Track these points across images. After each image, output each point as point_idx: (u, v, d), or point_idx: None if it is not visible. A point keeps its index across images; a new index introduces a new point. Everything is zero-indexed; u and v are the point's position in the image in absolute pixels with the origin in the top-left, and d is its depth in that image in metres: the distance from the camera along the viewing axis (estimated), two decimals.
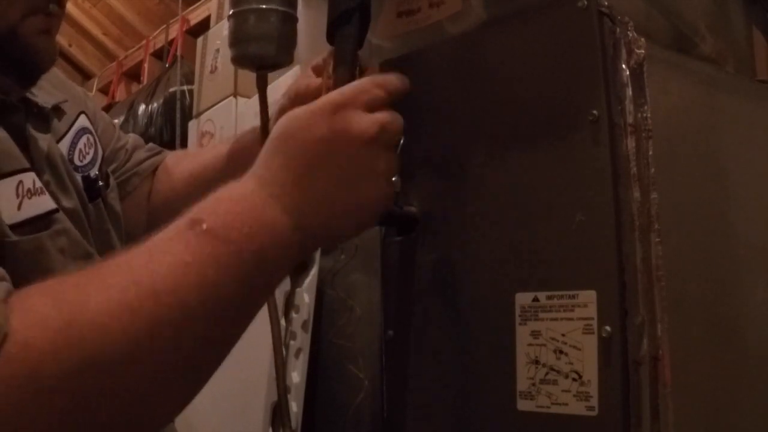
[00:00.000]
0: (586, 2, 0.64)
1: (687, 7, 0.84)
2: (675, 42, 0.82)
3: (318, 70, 0.80)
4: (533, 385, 0.63)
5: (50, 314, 0.44)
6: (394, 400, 0.75)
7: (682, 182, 0.69)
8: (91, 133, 0.83)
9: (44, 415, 0.43)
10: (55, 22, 0.71)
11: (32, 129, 0.70)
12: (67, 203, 0.71)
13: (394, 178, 0.76)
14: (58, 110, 0.78)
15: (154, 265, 0.48)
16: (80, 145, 0.80)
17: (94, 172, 0.80)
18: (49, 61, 0.72)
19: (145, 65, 2.71)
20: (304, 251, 0.56)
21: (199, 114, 2.09)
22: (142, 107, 2.35)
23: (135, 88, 2.79)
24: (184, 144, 2.16)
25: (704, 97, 0.76)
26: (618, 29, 0.64)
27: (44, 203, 0.67)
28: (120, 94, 2.83)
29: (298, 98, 0.81)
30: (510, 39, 0.71)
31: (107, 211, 0.81)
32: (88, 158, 0.81)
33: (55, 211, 0.68)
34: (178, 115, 2.22)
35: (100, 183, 0.80)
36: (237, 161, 0.87)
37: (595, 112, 0.63)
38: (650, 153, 0.63)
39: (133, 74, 2.86)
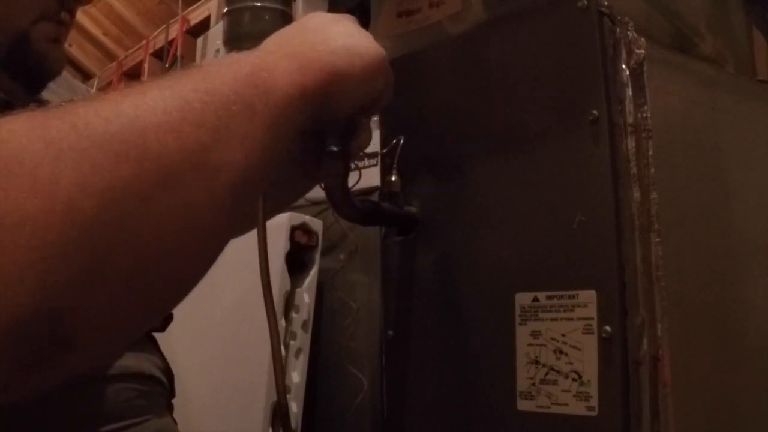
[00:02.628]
0: (586, 2, 0.64)
1: (687, 7, 0.84)
2: (675, 42, 0.82)
3: None
4: (533, 385, 0.63)
5: (27, 116, 0.38)
6: (394, 400, 0.75)
7: (682, 182, 0.69)
8: None
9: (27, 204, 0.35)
10: (65, 31, 0.71)
11: None
12: None
13: (393, 178, 0.76)
14: None
15: (160, 94, 0.41)
16: None
17: None
18: (58, 69, 0.72)
19: (145, 65, 2.71)
20: (314, 98, 0.49)
21: None
22: None
23: None
24: None
25: (704, 97, 0.76)
26: (618, 29, 0.64)
27: None
28: None
29: None
30: (510, 39, 0.71)
31: None
32: None
33: None
34: None
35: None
36: None
37: (595, 112, 0.63)
38: (650, 153, 0.63)
39: (133, 74, 2.86)
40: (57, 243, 0.34)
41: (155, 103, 0.40)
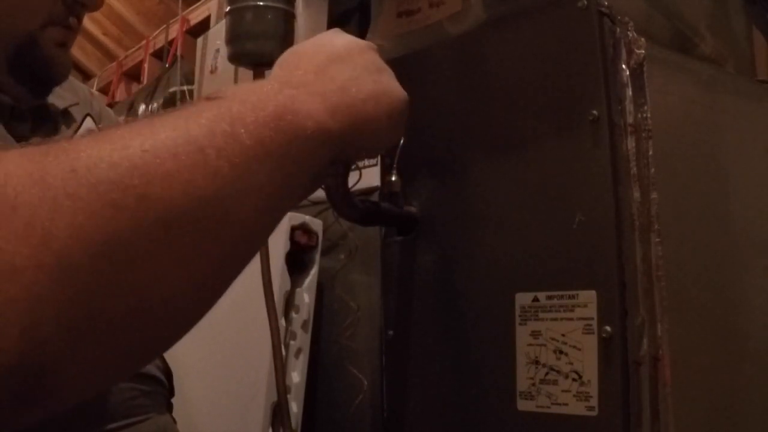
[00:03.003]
0: (586, 2, 0.64)
1: (687, 7, 0.84)
2: (675, 42, 0.82)
3: None
4: (533, 385, 0.63)
5: (24, 155, 0.35)
6: (394, 400, 0.75)
7: (682, 182, 0.69)
8: None
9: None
10: (72, 36, 0.71)
11: (40, 134, 0.71)
12: None
13: (393, 178, 0.76)
14: (66, 114, 0.79)
15: (152, 128, 0.39)
16: None
17: None
18: (64, 74, 0.72)
19: (145, 65, 2.70)
20: (337, 144, 0.47)
21: None
22: (142, 107, 2.35)
23: (135, 88, 2.79)
24: None
25: (704, 97, 0.76)
26: (618, 29, 0.64)
27: None
28: (120, 94, 2.83)
29: None
30: (510, 39, 0.71)
31: None
32: None
33: None
34: None
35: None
36: None
37: (595, 112, 0.63)
38: (650, 153, 0.63)
39: (133, 74, 2.86)
40: (45, 297, 0.32)
41: (166, 147, 0.37)
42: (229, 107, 0.41)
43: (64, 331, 0.33)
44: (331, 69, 0.50)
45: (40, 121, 0.72)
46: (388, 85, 0.53)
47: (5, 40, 0.66)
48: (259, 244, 0.45)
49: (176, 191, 0.36)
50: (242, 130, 0.40)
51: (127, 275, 0.35)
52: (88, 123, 0.83)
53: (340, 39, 0.54)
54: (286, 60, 0.52)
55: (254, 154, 0.40)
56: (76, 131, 0.80)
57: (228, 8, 0.71)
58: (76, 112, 0.81)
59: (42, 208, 0.33)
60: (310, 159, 0.45)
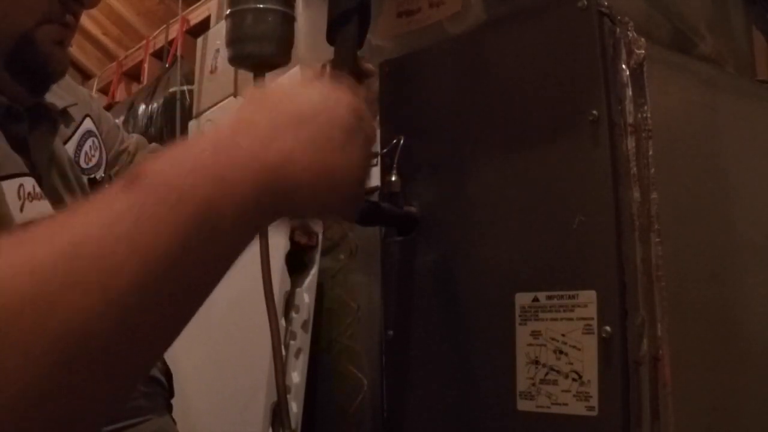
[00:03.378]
0: (586, 2, 0.64)
1: (687, 7, 0.84)
2: (675, 42, 0.82)
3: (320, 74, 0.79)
4: (533, 385, 0.63)
5: None
6: (394, 400, 0.75)
7: (682, 182, 0.69)
8: (96, 136, 0.84)
9: None
10: (69, 34, 0.71)
11: (38, 133, 0.71)
12: (72, 202, 0.72)
13: (393, 178, 0.76)
14: (65, 113, 0.79)
15: (82, 217, 0.38)
16: (86, 147, 0.81)
17: (100, 174, 0.80)
18: (61, 72, 0.73)
19: (145, 65, 2.70)
20: (274, 211, 0.45)
21: (199, 114, 2.09)
22: (142, 107, 2.35)
23: (135, 88, 2.79)
24: None
25: (704, 97, 0.76)
26: (618, 29, 0.64)
27: (44, 208, 0.67)
28: (120, 94, 2.83)
29: None
30: (510, 39, 0.71)
31: None
32: (94, 161, 0.81)
33: None
34: (178, 115, 2.22)
35: (107, 186, 0.80)
36: None
37: (595, 112, 0.63)
38: (650, 153, 0.63)
39: (133, 74, 2.86)
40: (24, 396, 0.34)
41: (68, 259, 0.36)
42: (144, 204, 0.39)
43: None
44: (285, 135, 0.44)
45: (37, 121, 0.72)
46: (355, 156, 0.47)
47: (1, 38, 0.66)
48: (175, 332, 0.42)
49: (94, 298, 0.36)
50: (161, 230, 0.38)
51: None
52: (88, 123, 0.83)
53: (310, 95, 0.48)
54: (244, 109, 0.47)
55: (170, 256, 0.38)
56: (75, 131, 0.80)
57: (228, 11, 0.71)
58: (75, 112, 0.81)
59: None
60: (232, 246, 0.42)
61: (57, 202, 0.70)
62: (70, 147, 0.78)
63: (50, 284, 0.35)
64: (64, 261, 0.36)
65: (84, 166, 0.79)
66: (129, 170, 0.44)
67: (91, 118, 0.85)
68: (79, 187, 0.75)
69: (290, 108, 0.46)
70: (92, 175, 0.79)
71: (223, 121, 0.45)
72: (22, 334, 0.34)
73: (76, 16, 0.71)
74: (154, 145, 1.00)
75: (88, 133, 0.82)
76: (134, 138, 1.00)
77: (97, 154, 0.82)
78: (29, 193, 0.65)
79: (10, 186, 0.63)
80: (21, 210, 0.63)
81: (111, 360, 0.37)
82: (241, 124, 0.45)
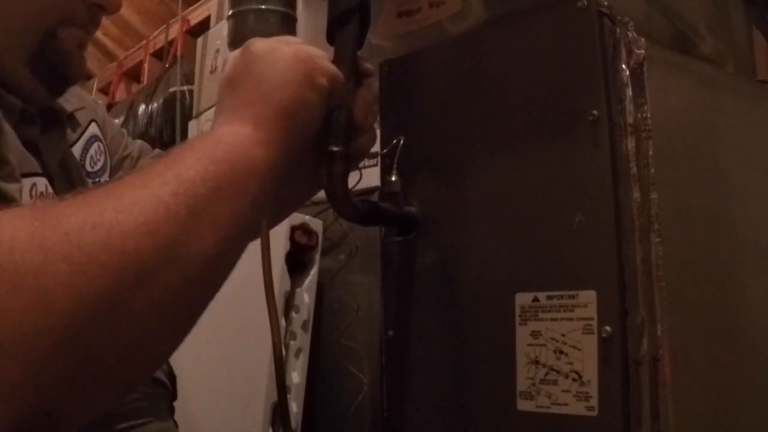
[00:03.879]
0: (586, 2, 0.64)
1: (687, 7, 0.84)
2: (675, 42, 0.82)
3: None
4: (533, 385, 0.63)
5: (23, 218, 0.39)
6: (394, 400, 0.75)
7: (682, 182, 0.69)
8: (101, 141, 0.84)
9: (22, 307, 0.37)
10: (89, 39, 0.72)
11: (48, 136, 0.71)
12: None
13: (393, 178, 0.76)
14: (72, 117, 0.79)
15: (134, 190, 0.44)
16: (91, 151, 0.81)
17: (104, 178, 0.80)
18: (80, 74, 0.73)
19: (145, 65, 2.70)
20: (271, 151, 0.52)
21: (199, 114, 2.09)
22: (142, 107, 2.35)
23: (135, 88, 2.79)
24: None
25: (704, 97, 0.76)
26: (618, 29, 0.64)
27: None
28: (120, 94, 2.83)
29: None
30: (510, 39, 0.71)
31: None
32: (99, 165, 0.82)
33: None
34: (178, 116, 2.22)
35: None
36: None
37: (595, 112, 0.63)
38: (650, 153, 0.63)
39: (133, 74, 2.86)
40: (51, 356, 0.37)
41: (132, 205, 0.42)
42: (175, 155, 0.47)
43: (67, 381, 0.38)
44: (249, 88, 0.55)
45: (48, 124, 0.72)
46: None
47: (26, 35, 0.66)
48: (229, 267, 0.49)
49: (145, 242, 0.41)
50: (189, 171, 0.46)
51: (113, 323, 0.40)
52: (93, 128, 0.84)
53: (280, 51, 0.57)
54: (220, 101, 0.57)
55: (203, 191, 0.45)
56: (81, 135, 0.80)
57: (231, 11, 0.71)
58: (81, 116, 0.81)
59: (45, 275, 0.37)
60: (257, 175, 0.50)
61: None
62: (76, 150, 0.78)
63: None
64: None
65: (89, 169, 0.79)
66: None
67: (97, 123, 0.85)
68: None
69: (253, 68, 0.56)
70: (97, 179, 0.80)
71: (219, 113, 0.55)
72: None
73: (97, 22, 0.71)
74: (157, 151, 1.00)
75: (94, 138, 0.83)
76: (138, 144, 1.00)
77: (102, 159, 0.82)
78: (41, 193, 0.65)
79: (23, 185, 0.63)
80: None
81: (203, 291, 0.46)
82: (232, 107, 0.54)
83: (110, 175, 0.84)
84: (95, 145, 0.82)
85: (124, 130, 0.99)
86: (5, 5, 0.64)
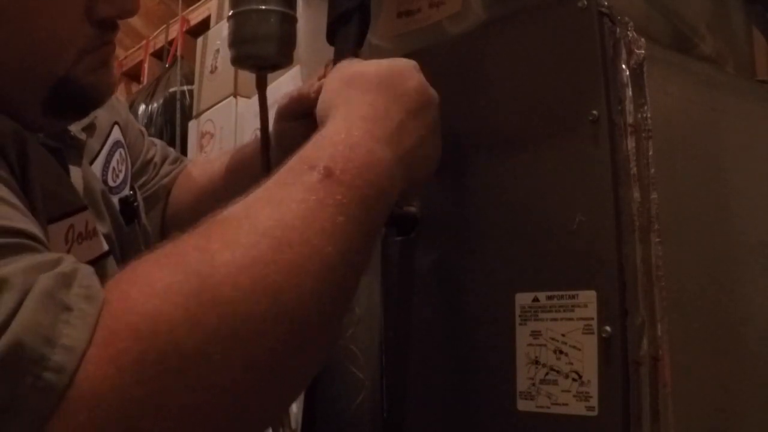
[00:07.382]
0: (586, 2, 0.64)
1: (687, 7, 0.84)
2: (675, 42, 0.82)
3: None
4: (533, 385, 0.63)
5: (174, 280, 0.40)
6: (394, 400, 0.75)
7: (682, 182, 0.69)
8: (123, 147, 0.80)
9: (185, 391, 0.38)
10: (111, 50, 0.67)
11: (70, 165, 0.67)
12: (101, 230, 0.68)
13: None
14: (90, 126, 0.74)
15: (279, 214, 0.45)
16: (113, 162, 0.76)
17: (126, 191, 0.77)
18: (107, 94, 0.68)
19: (145, 65, 2.71)
20: (403, 184, 0.59)
21: (199, 114, 2.10)
22: (142, 107, 2.35)
23: (135, 88, 2.79)
24: (183, 144, 2.16)
25: (704, 97, 0.76)
26: (618, 29, 0.64)
27: (94, 248, 0.63)
28: (120, 94, 2.83)
29: (300, 99, 0.80)
30: (510, 39, 0.71)
31: (142, 234, 0.78)
32: (121, 177, 0.77)
33: (106, 254, 0.64)
34: (178, 115, 2.23)
35: (136, 203, 0.76)
36: (237, 175, 0.85)
37: (595, 112, 0.63)
38: (650, 153, 0.63)
39: (133, 74, 2.86)
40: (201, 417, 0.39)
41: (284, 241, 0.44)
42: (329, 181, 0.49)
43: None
44: (408, 123, 0.60)
45: (67, 151, 0.69)
46: (438, 142, 0.66)
47: (38, 83, 0.61)
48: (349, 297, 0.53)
49: (302, 281, 0.44)
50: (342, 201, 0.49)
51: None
52: (116, 133, 0.79)
53: (412, 81, 0.63)
54: (372, 94, 0.60)
55: (342, 219, 0.48)
56: (103, 143, 0.76)
57: (231, 12, 0.71)
58: (103, 118, 0.76)
59: (197, 357, 0.39)
60: (388, 204, 0.55)
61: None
62: (99, 163, 0.73)
63: (274, 277, 0.42)
64: (281, 261, 0.43)
65: (112, 184, 0.75)
66: (294, 157, 0.52)
67: (119, 126, 0.81)
68: (107, 211, 0.71)
69: (405, 104, 0.61)
70: (120, 193, 0.75)
71: (345, 111, 0.58)
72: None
73: (113, 30, 0.66)
74: (174, 155, 0.95)
75: (117, 144, 0.77)
76: (158, 146, 0.95)
77: (123, 169, 0.78)
78: (80, 234, 0.61)
79: (57, 230, 0.58)
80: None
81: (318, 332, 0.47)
82: (369, 121, 0.57)
83: (131, 184, 0.79)
84: (118, 153, 0.77)
85: (144, 130, 0.94)
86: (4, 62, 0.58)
